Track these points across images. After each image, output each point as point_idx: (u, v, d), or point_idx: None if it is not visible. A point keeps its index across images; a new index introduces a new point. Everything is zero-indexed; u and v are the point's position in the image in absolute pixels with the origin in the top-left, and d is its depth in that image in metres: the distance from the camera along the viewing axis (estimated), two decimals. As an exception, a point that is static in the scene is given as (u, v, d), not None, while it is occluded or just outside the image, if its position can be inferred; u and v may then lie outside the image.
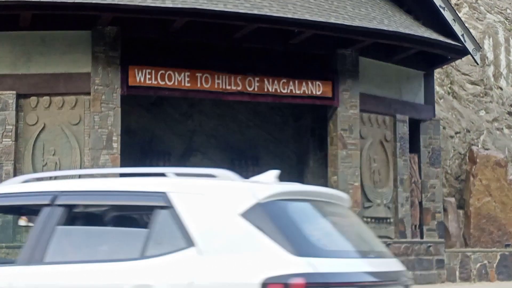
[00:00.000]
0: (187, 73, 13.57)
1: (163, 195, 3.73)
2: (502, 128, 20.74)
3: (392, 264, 4.00)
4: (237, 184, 3.80)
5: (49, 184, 4.21)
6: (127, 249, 3.78)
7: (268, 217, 3.54)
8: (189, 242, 3.57)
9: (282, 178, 15.96)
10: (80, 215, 4.12)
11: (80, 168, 12.90)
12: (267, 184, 3.88)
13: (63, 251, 3.95)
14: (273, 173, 4.12)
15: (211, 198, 3.68)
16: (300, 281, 3.30)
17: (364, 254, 3.87)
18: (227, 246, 3.52)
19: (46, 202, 3.98)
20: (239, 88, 14.02)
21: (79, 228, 4.10)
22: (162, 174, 3.97)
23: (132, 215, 4.12)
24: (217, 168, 4.18)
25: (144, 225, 3.83)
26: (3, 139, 12.71)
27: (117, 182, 4.08)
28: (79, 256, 3.90)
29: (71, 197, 3.99)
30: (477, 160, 18.17)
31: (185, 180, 3.93)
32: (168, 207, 3.69)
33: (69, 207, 3.98)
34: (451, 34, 15.34)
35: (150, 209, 3.77)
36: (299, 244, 3.47)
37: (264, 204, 3.59)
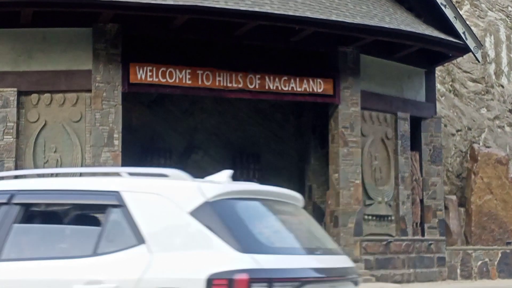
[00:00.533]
0: (188, 71, 13.56)
1: (116, 194, 3.87)
2: (504, 126, 20.73)
3: (341, 261, 4.12)
4: (187, 183, 3.91)
5: (7, 183, 4.31)
6: (81, 246, 3.92)
7: (216, 215, 3.68)
8: (140, 240, 3.70)
9: (283, 176, 15.86)
10: (37, 213, 4.22)
11: (82, 165, 12.91)
12: (217, 183, 3.99)
13: (20, 248, 4.05)
14: (227, 173, 4.22)
15: (162, 197, 3.82)
16: (243, 276, 3.44)
17: (311, 251, 4.01)
18: (176, 243, 3.66)
19: (4, 200, 4.08)
20: (240, 86, 14.02)
21: (36, 226, 4.20)
22: (117, 174, 4.15)
23: (87, 214, 4.21)
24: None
25: (98, 223, 3.98)
26: (4, 136, 12.71)
27: (73, 181, 4.23)
28: (35, 253, 4.01)
29: (27, 196, 4.10)
30: (478, 158, 18.15)
31: (138, 179, 4.07)
32: (121, 205, 3.83)
33: (26, 205, 4.09)
34: (453, 31, 15.32)
35: (104, 207, 3.92)
36: (245, 241, 3.62)
37: (213, 203, 3.73)
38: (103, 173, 4.35)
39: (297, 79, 14.43)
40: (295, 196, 4.33)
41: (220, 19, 13.21)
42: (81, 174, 5.13)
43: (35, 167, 12.77)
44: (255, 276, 3.47)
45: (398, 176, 15.68)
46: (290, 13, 13.06)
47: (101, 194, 3.93)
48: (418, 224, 16.25)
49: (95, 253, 3.78)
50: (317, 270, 3.80)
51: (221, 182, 4.05)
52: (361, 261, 14.51)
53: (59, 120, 12.97)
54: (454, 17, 15.42)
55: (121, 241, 3.76)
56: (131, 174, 4.10)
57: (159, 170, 4.07)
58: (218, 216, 3.68)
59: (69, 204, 4.14)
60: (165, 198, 3.79)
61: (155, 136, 15.70)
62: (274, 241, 3.88)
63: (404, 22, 14.78)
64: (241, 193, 4.00)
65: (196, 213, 3.68)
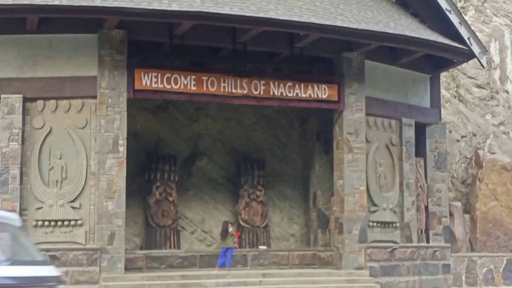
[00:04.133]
0: (193, 77, 13.57)
1: None
2: (509, 132, 20.68)
3: (38, 271, 4.84)
4: None
5: None
6: None
7: None
8: None
9: (287, 182, 15.79)
10: None
11: (86, 171, 12.91)
12: None
13: None
14: None
15: None
16: None
17: (5, 262, 4.74)
18: None
19: None
20: (245, 92, 14.01)
21: None
22: None
23: None
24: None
25: None
26: (10, 143, 12.72)
27: None
28: None
29: None
30: (483, 164, 18.12)
31: None
32: None
33: None
34: (457, 37, 15.31)
35: None
36: None
37: None
38: None
39: (302, 85, 14.42)
40: (5, 216, 5.13)
41: (225, 25, 13.22)
42: None
43: (40, 173, 12.78)
44: None
45: (402, 182, 15.65)
46: (295, 18, 13.06)
47: None
48: (423, 230, 16.21)
49: None
50: (4, 278, 4.54)
51: None
52: (365, 268, 14.48)
53: (65, 126, 12.98)
54: (459, 22, 15.41)
55: None
56: None
57: None
58: None
59: None
60: None
61: (160, 142, 15.70)
62: None
63: (409, 27, 14.77)
64: None
65: None
